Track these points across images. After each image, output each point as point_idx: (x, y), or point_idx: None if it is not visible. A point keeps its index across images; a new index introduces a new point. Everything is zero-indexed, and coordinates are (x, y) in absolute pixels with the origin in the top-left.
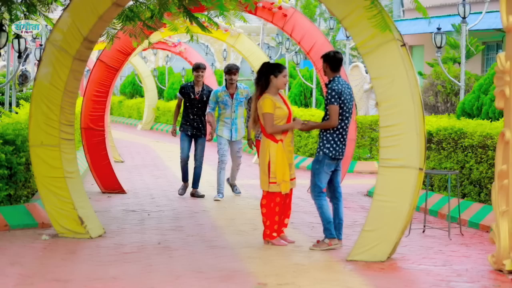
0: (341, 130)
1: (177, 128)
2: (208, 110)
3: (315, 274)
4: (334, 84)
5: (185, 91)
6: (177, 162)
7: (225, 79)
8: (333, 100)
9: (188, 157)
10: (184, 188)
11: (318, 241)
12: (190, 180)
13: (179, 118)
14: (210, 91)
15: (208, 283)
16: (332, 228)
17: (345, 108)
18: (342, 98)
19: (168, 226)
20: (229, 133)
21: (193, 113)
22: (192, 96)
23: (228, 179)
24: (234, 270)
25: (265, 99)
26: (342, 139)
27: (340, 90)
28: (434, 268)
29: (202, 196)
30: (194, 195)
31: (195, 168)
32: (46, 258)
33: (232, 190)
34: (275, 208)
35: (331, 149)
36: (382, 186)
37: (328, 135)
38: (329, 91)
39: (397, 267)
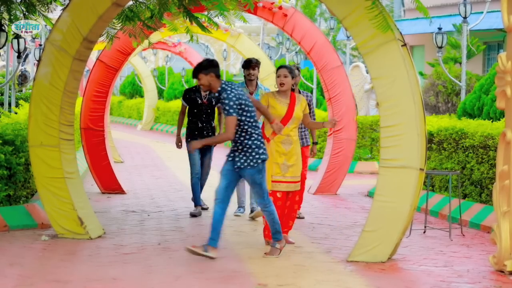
0: (259, 132)
1: (183, 139)
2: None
3: (316, 275)
4: (228, 92)
5: (190, 96)
6: (176, 162)
7: (244, 76)
8: (231, 110)
9: (200, 171)
10: (198, 210)
11: (266, 253)
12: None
13: (184, 127)
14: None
15: (208, 283)
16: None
17: (250, 110)
18: (242, 102)
19: (168, 226)
20: None
21: (201, 121)
22: (200, 101)
23: (252, 209)
24: (234, 270)
25: (263, 95)
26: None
27: (236, 96)
28: (435, 269)
29: (206, 209)
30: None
31: (201, 180)
32: (45, 259)
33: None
34: None
35: (264, 152)
36: (383, 186)
37: (257, 142)
38: (226, 101)
39: (398, 268)
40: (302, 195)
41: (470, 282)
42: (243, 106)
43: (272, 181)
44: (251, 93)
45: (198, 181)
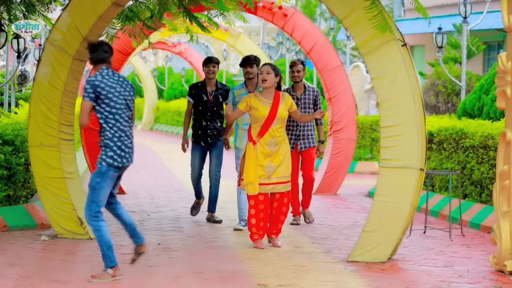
0: (120, 133)
1: (189, 140)
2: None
3: (316, 275)
4: (92, 78)
5: (196, 92)
6: (176, 162)
7: (243, 75)
8: (85, 95)
9: (200, 176)
10: (198, 205)
11: (93, 276)
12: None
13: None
14: (227, 90)
15: (208, 284)
16: (113, 254)
17: (114, 105)
18: (105, 93)
19: (168, 227)
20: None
21: (206, 119)
22: (205, 98)
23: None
24: (234, 271)
25: (243, 98)
26: (126, 143)
27: (98, 84)
28: (435, 269)
29: (220, 222)
30: (210, 220)
31: (210, 186)
32: (45, 259)
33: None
34: (251, 210)
35: (115, 157)
36: (383, 186)
37: (108, 141)
38: (84, 86)
39: (398, 268)
40: (310, 196)
41: (470, 282)
42: (102, 96)
43: (241, 180)
44: (251, 93)
45: (198, 183)
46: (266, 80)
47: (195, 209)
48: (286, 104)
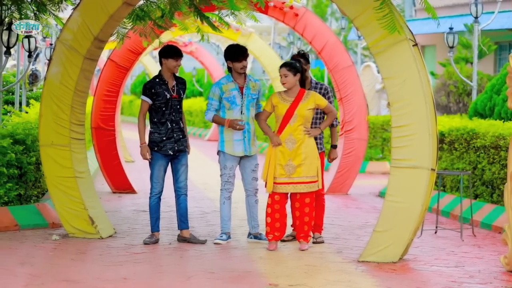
0: None
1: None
2: (208, 114)
3: (327, 275)
4: None
5: (156, 90)
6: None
7: (228, 67)
8: None
9: (162, 191)
10: (154, 238)
11: None
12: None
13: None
14: (184, 83)
15: (219, 283)
16: None
17: None
18: None
19: None
20: (241, 146)
21: (172, 120)
22: (169, 96)
23: (249, 234)
24: (245, 270)
25: (270, 96)
26: None
27: None
28: (446, 269)
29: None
30: (187, 239)
31: (179, 201)
32: (56, 258)
33: (260, 238)
34: (268, 209)
35: None
36: (394, 186)
37: None
38: None
39: (409, 268)
40: (320, 215)
41: (481, 283)
42: None
43: (274, 183)
44: (241, 88)
45: (159, 203)
46: (285, 83)
47: (150, 238)
48: (309, 102)
